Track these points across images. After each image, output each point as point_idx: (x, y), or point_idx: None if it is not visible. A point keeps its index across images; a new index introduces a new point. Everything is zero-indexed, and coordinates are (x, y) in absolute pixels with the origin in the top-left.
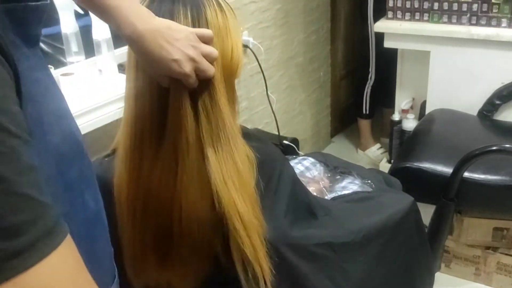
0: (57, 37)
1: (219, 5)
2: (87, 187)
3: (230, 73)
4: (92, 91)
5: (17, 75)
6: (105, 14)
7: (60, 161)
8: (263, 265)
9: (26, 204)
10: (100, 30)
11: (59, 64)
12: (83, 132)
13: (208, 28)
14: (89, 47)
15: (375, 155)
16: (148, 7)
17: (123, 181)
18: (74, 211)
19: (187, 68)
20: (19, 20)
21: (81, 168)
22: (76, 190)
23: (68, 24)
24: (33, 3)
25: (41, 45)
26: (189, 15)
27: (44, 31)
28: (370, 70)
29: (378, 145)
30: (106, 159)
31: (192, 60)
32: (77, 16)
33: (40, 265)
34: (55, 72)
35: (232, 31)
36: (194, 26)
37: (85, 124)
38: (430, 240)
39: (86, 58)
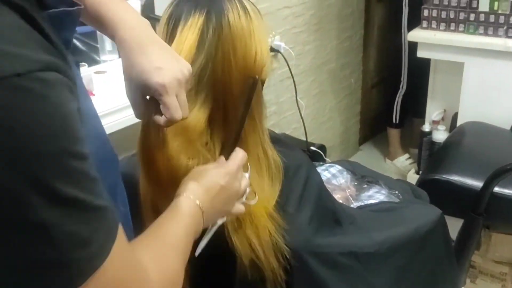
0: (92, 35)
1: (243, 7)
2: (120, 190)
3: (253, 75)
4: (123, 90)
5: (74, 83)
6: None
7: (100, 166)
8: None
9: (95, 215)
10: None
11: (92, 62)
12: (113, 130)
13: (230, 30)
14: None
15: (403, 165)
16: (171, 10)
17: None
18: None
19: (168, 79)
20: (58, 25)
21: (116, 173)
22: (112, 194)
23: None
24: (70, 8)
25: (76, 42)
26: (212, 18)
27: (79, 29)
28: (402, 79)
29: (406, 155)
30: (135, 157)
31: (177, 80)
32: None
33: (109, 259)
34: (89, 70)
35: (256, 34)
36: (215, 29)
37: (116, 122)
38: (456, 255)
39: (119, 57)
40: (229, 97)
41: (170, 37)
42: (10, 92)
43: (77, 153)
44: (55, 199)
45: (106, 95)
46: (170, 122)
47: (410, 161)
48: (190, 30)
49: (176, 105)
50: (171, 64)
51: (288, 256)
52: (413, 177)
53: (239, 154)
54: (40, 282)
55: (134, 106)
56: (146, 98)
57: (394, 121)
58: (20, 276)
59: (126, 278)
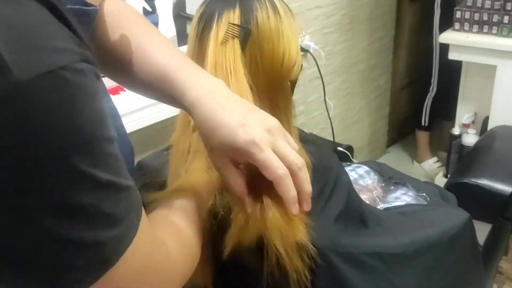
0: None
1: (273, 7)
2: None
3: (280, 78)
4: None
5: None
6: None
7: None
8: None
9: (125, 194)
10: (166, 28)
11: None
12: (142, 126)
13: (258, 31)
14: None
15: (431, 168)
16: (203, 9)
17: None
18: None
19: (257, 133)
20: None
21: (131, 166)
22: None
23: None
24: (86, 8)
25: None
26: (239, 17)
27: None
28: (432, 81)
29: (435, 159)
30: (165, 152)
31: (267, 130)
32: (145, 13)
33: (137, 236)
34: None
35: (285, 34)
36: (242, 30)
37: (145, 118)
38: (483, 260)
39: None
40: (255, 100)
41: (200, 37)
42: (58, 84)
43: (109, 137)
44: (93, 182)
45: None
46: (289, 197)
47: (439, 164)
48: (220, 31)
49: (275, 159)
50: (256, 116)
51: (313, 255)
52: (441, 180)
53: None
54: (77, 261)
55: (230, 179)
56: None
57: (423, 123)
58: (57, 255)
59: (153, 253)
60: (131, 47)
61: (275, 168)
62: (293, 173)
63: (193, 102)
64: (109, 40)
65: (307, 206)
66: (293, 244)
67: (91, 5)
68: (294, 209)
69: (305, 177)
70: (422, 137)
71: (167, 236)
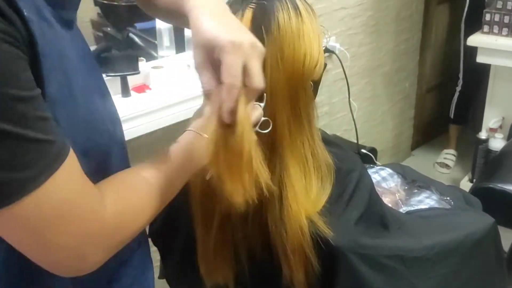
0: (150, 31)
1: (295, 7)
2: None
3: (301, 78)
4: (180, 85)
5: (34, 44)
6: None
7: (91, 136)
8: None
9: (31, 146)
10: None
11: (150, 57)
12: (168, 124)
13: (279, 32)
14: (180, 42)
15: (442, 156)
16: None
17: (197, 178)
18: None
19: (241, 39)
20: (54, 3)
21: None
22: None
23: None
24: None
25: (134, 38)
26: (259, 19)
27: (139, 25)
28: (458, 82)
29: (452, 151)
30: None
31: (251, 44)
32: None
33: (48, 184)
34: (146, 65)
35: (306, 35)
36: (263, 30)
37: (172, 116)
38: (508, 266)
39: (176, 53)
40: (275, 101)
41: None
42: None
43: (18, 96)
44: None
45: (162, 90)
46: (225, 106)
47: (452, 157)
48: None
49: (238, 69)
50: (244, 32)
51: (332, 256)
52: (466, 185)
53: None
54: None
55: (201, 73)
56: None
57: (450, 115)
58: None
59: (73, 201)
60: None
61: (232, 75)
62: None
63: (195, 4)
64: None
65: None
66: (299, 244)
67: None
68: (225, 118)
69: (249, 98)
70: (450, 129)
71: (110, 193)
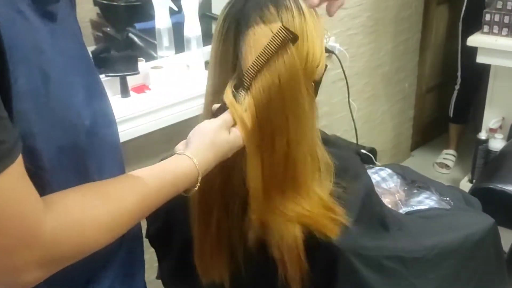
0: (151, 32)
1: (298, 7)
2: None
3: (303, 77)
4: (179, 85)
5: None
6: None
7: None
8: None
9: None
10: (192, 27)
11: (149, 57)
12: (168, 124)
13: None
14: (179, 43)
15: (441, 157)
16: (227, 11)
17: None
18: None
19: None
20: None
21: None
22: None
23: (162, 19)
24: None
25: (134, 38)
26: (264, 19)
27: (139, 25)
28: (456, 81)
29: (452, 151)
30: None
31: None
32: (171, 12)
33: None
34: (146, 65)
35: (309, 35)
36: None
37: (171, 116)
38: (508, 267)
39: (176, 53)
40: (276, 98)
41: (225, 39)
42: None
43: None
44: None
45: (162, 90)
46: None
47: (452, 158)
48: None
49: None
50: None
51: (332, 257)
52: (466, 186)
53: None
54: None
55: None
56: None
57: (449, 114)
58: None
59: (11, 206)
60: None
61: None
62: None
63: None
64: None
65: None
66: (292, 245)
67: None
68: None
69: None
70: (450, 129)
71: (58, 207)
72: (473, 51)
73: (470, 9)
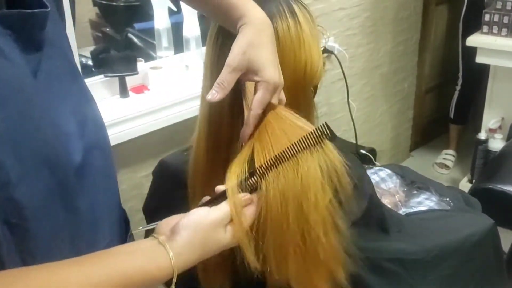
0: (150, 32)
1: (293, 15)
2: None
3: (302, 84)
4: (178, 85)
5: None
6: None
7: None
8: None
9: None
10: (191, 27)
11: (148, 57)
12: (167, 124)
13: (279, 43)
14: (178, 43)
15: (441, 157)
16: (215, 24)
17: (196, 182)
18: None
19: (277, 80)
20: (13, 26)
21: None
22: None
23: (161, 20)
24: (29, 11)
25: (133, 38)
26: None
27: (138, 26)
28: (458, 82)
29: (451, 151)
30: (185, 153)
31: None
32: (170, 13)
33: None
34: (145, 65)
35: (306, 42)
36: None
37: (170, 116)
38: (507, 267)
39: (175, 53)
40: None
41: (220, 51)
42: None
43: None
44: None
45: (161, 90)
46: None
47: (451, 158)
48: None
49: (264, 102)
50: (279, 72)
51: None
52: (465, 186)
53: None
54: None
55: (225, 81)
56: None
57: (450, 115)
58: None
59: None
60: None
61: (261, 108)
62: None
63: (250, 21)
64: None
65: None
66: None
67: (42, 5)
68: (245, 133)
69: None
70: (451, 130)
71: None
72: (475, 51)
73: (471, 10)
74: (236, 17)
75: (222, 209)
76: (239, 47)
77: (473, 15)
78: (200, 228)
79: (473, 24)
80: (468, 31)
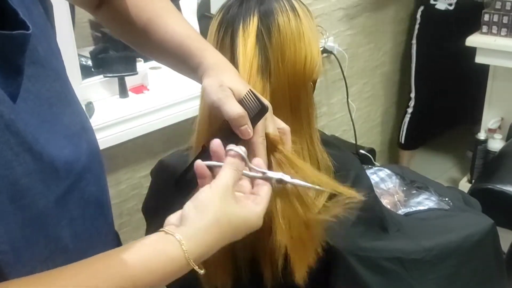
0: None
1: (293, 9)
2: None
3: (302, 80)
4: (178, 85)
5: None
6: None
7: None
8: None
9: None
10: None
11: (148, 57)
12: (166, 124)
13: (280, 35)
14: None
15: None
16: (221, 16)
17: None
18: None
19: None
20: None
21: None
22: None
23: None
24: (7, 32)
25: None
26: (260, 22)
27: None
28: (409, 104)
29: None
30: (185, 153)
31: None
32: None
33: None
34: (144, 66)
35: (306, 36)
36: (264, 32)
37: (169, 116)
38: (507, 267)
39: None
40: (276, 104)
41: (221, 44)
42: None
43: None
44: None
45: (160, 90)
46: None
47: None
48: (249, 39)
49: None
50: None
51: (331, 258)
52: (465, 186)
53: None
54: None
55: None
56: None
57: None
58: None
59: None
60: (152, 18)
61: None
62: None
63: (211, 66)
64: (129, 14)
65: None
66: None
67: (23, 27)
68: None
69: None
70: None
71: None
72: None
73: (472, 10)
74: (196, 62)
75: (223, 176)
76: (215, 94)
77: (474, 15)
78: (208, 203)
79: (475, 25)
80: (470, 32)
